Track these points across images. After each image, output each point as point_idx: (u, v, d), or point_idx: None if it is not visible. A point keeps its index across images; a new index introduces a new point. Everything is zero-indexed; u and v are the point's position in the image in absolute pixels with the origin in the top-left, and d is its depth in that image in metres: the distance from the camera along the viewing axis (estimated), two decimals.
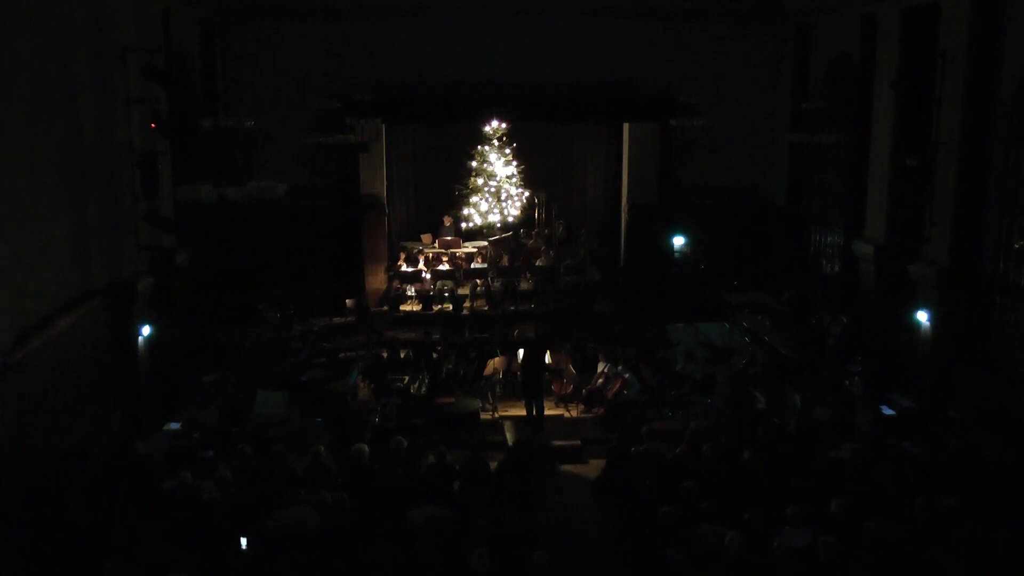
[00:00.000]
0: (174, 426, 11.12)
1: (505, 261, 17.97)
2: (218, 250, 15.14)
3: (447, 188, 19.34)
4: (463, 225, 19.20)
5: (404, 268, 17.55)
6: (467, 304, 16.57)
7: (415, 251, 18.33)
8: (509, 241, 18.82)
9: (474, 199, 19.00)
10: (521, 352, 13.24)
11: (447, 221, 19.35)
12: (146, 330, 11.43)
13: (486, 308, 16.49)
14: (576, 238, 19.20)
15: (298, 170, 15.95)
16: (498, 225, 19.13)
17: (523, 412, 12.61)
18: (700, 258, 16.26)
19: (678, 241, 16.32)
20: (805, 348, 12.91)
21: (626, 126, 17.82)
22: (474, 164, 19.04)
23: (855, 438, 10.43)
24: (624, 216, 18.13)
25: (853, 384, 11.80)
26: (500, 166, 19.03)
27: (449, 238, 18.67)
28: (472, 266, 17.66)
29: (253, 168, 14.70)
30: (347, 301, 16.08)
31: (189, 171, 13.88)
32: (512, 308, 16.37)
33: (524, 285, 17.31)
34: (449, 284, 16.89)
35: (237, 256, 15.75)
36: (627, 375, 13.06)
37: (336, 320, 15.43)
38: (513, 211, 19.22)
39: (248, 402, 11.93)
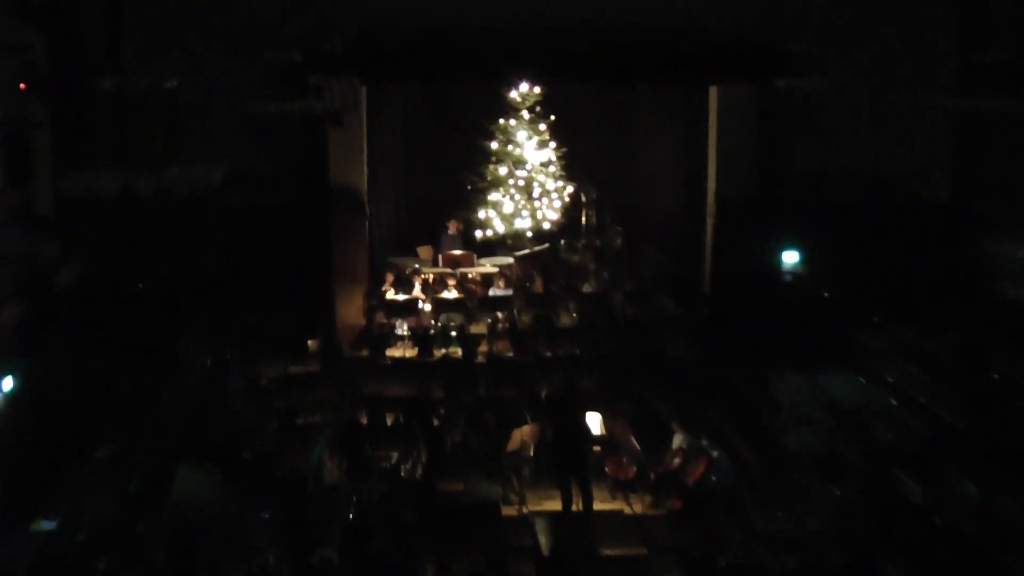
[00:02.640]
0: (47, 524, 10.89)
1: (538, 285, 17.86)
2: (122, 264, 15.20)
3: (455, 180, 19.42)
4: (478, 234, 19.24)
5: (392, 295, 17.44)
6: (483, 347, 16.47)
7: (409, 271, 18.29)
8: (544, 257, 18.80)
9: (494, 196, 19.07)
10: (560, 417, 12.95)
11: (454, 228, 19.30)
12: (7, 382, 11.34)
13: (510, 353, 16.35)
14: (640, 252, 19.20)
15: (241, 151, 16.12)
16: (529, 234, 19.17)
17: (561, 504, 12.30)
18: (821, 280, 16.17)
19: (789, 256, 16.26)
20: (981, 414, 12.73)
21: (713, 90, 17.83)
22: (494, 146, 19.15)
23: None
24: (710, 220, 18.10)
25: None
26: (531, 149, 19.10)
27: (458, 252, 18.58)
28: (491, 292, 17.59)
29: (175, 148, 14.83)
30: (309, 342, 16.06)
31: (80, 152, 13.93)
32: (548, 353, 16.19)
33: (565, 319, 17.25)
34: (457, 318, 16.81)
35: (150, 273, 15.76)
36: (714, 452, 12.73)
37: (293, 368, 15.41)
38: (550, 213, 19.27)
39: (163, 485, 11.71)
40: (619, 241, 19.31)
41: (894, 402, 13.33)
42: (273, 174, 16.50)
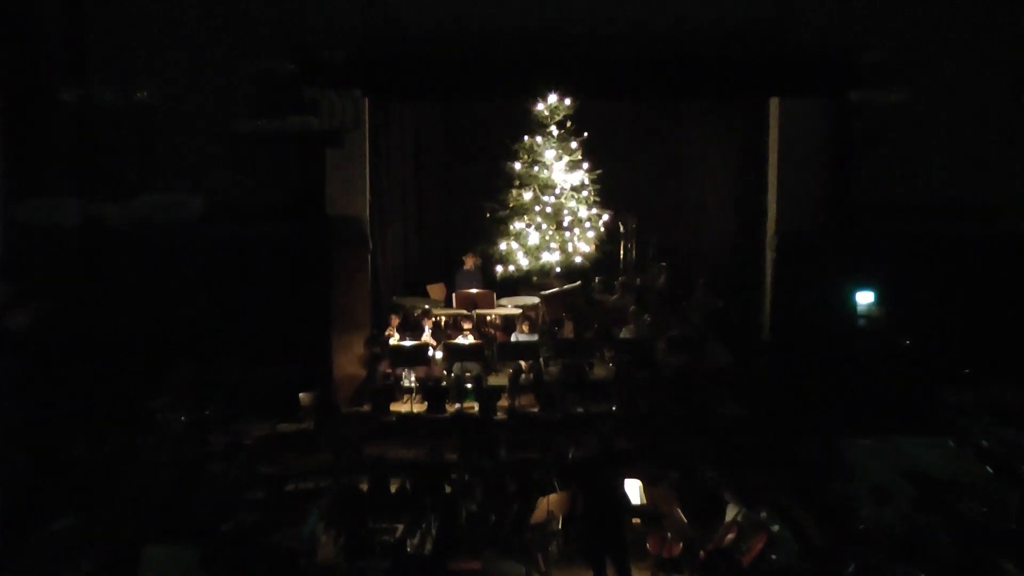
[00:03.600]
0: None
1: (568, 330, 17.80)
2: (84, 306, 15.27)
3: (472, 208, 19.60)
4: (498, 270, 19.38)
5: (398, 340, 17.39)
6: (503, 402, 16.46)
7: (417, 312, 18.27)
8: (575, 297, 18.81)
9: (518, 226, 19.25)
10: (593, 484, 12.84)
11: (471, 263, 19.41)
12: None
13: (535, 409, 16.35)
14: (687, 292, 19.16)
15: (225, 177, 16.20)
16: (557, 270, 19.27)
17: None
18: (901, 326, 16.07)
19: (864, 297, 16.19)
20: None
21: (773, 105, 17.88)
22: (518, 167, 19.32)
23: None
24: (769, 255, 18.06)
25: None
26: (561, 171, 19.26)
27: (475, 291, 18.57)
28: (513, 338, 17.53)
29: (148, 172, 14.83)
30: (302, 395, 16.09)
31: (37, 176, 13.98)
32: (579, 409, 16.20)
33: (600, 371, 17.27)
34: (474, 368, 16.81)
35: (116, 317, 15.84)
36: (774, 527, 12.58)
37: (283, 427, 15.47)
38: (582, 246, 19.37)
39: (128, 566, 11.64)
40: (663, 279, 19.36)
41: (989, 470, 13.11)
42: (262, 202, 16.55)
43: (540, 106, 19.09)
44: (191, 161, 15.73)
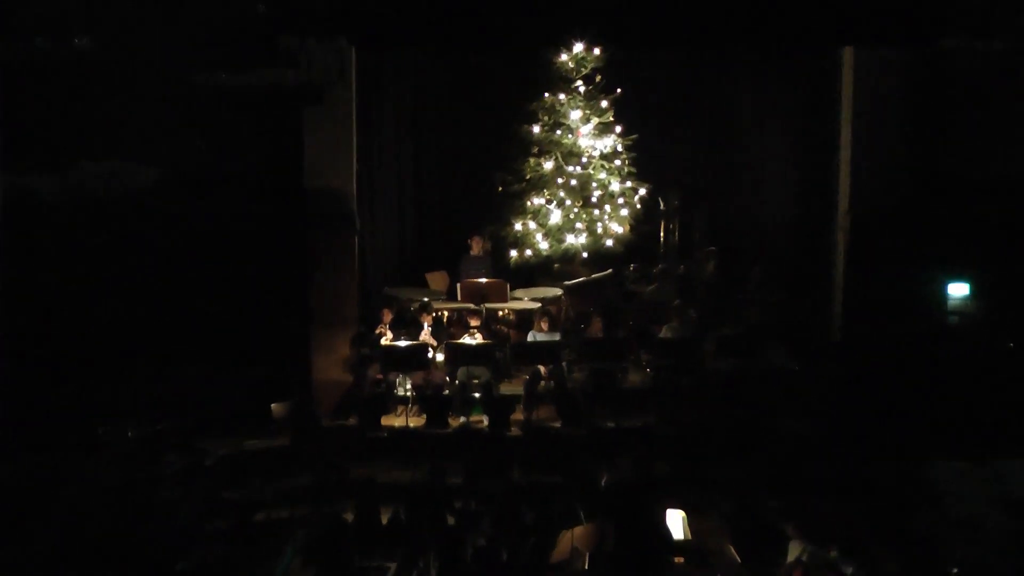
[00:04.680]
0: None
1: (597, 328, 17.78)
2: (9, 300, 15.34)
3: (480, 181, 19.73)
4: (512, 255, 19.42)
5: (391, 339, 17.37)
6: (518, 415, 16.44)
7: (414, 306, 18.33)
8: (606, 288, 18.89)
9: (536, 201, 19.26)
10: (627, 515, 12.81)
11: (478, 247, 19.47)
12: None
13: (557, 424, 16.34)
14: (741, 282, 19.25)
15: (181, 141, 16.24)
16: (584, 256, 19.28)
17: None
18: (1001, 325, 16.11)
19: (956, 289, 16.26)
20: None
21: (846, 56, 17.90)
22: (536, 131, 19.32)
23: None
24: (841, 238, 18.17)
25: None
26: (588, 136, 19.22)
27: (483, 281, 18.56)
28: (530, 337, 17.48)
29: (89, 137, 14.94)
30: (274, 406, 16.16)
31: None
32: (610, 424, 16.12)
33: (634, 377, 17.30)
34: (483, 374, 16.77)
35: (50, 312, 15.94)
36: (848, 569, 12.53)
37: (252, 444, 15.47)
38: (615, 227, 19.37)
39: None
40: (711, 267, 19.38)
41: None
42: (226, 173, 16.66)
43: (564, 57, 19.07)
44: (140, 123, 15.73)
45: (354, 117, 17.67)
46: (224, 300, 16.48)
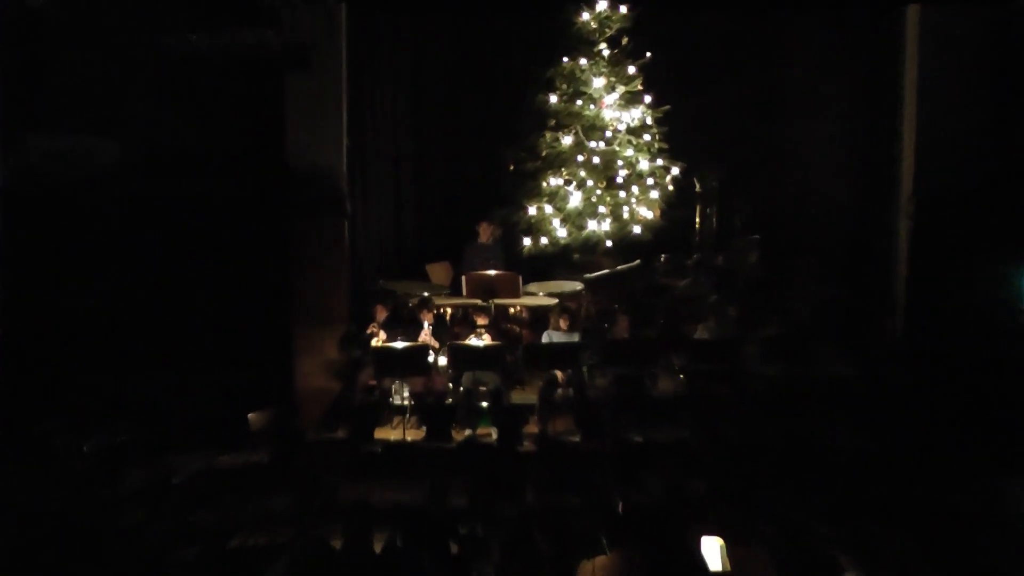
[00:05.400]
0: None
1: (622, 327, 17.75)
2: None
3: (488, 158, 19.79)
4: (525, 243, 19.43)
5: (385, 340, 17.36)
6: (532, 427, 16.45)
7: (413, 302, 18.36)
8: (633, 282, 18.91)
9: (554, 182, 19.28)
10: (656, 542, 12.77)
11: (486, 234, 19.55)
12: None
13: (576, 437, 16.26)
14: (788, 275, 19.22)
15: (148, 114, 16.28)
16: (608, 245, 19.31)
17: None
18: None
19: None
20: None
21: (911, 14, 17.88)
22: (553, 101, 19.35)
23: None
24: (904, 225, 18.16)
25: None
26: (613, 105, 19.27)
27: (492, 272, 18.53)
28: (546, 338, 17.46)
29: (41, 109, 14.98)
30: (251, 416, 16.05)
31: None
32: (638, 438, 16.07)
33: (665, 384, 17.24)
34: (492, 379, 16.76)
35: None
36: None
37: (226, 460, 15.45)
38: (643, 211, 19.40)
39: None
40: (754, 258, 19.39)
41: None
42: (198, 150, 16.67)
43: (585, 16, 19.13)
44: (100, 92, 15.75)
45: (344, 85, 17.66)
46: (195, 295, 16.57)
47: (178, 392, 15.88)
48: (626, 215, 19.20)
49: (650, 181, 19.34)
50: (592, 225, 19.11)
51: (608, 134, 19.18)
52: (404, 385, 16.82)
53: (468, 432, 16.35)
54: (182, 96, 16.35)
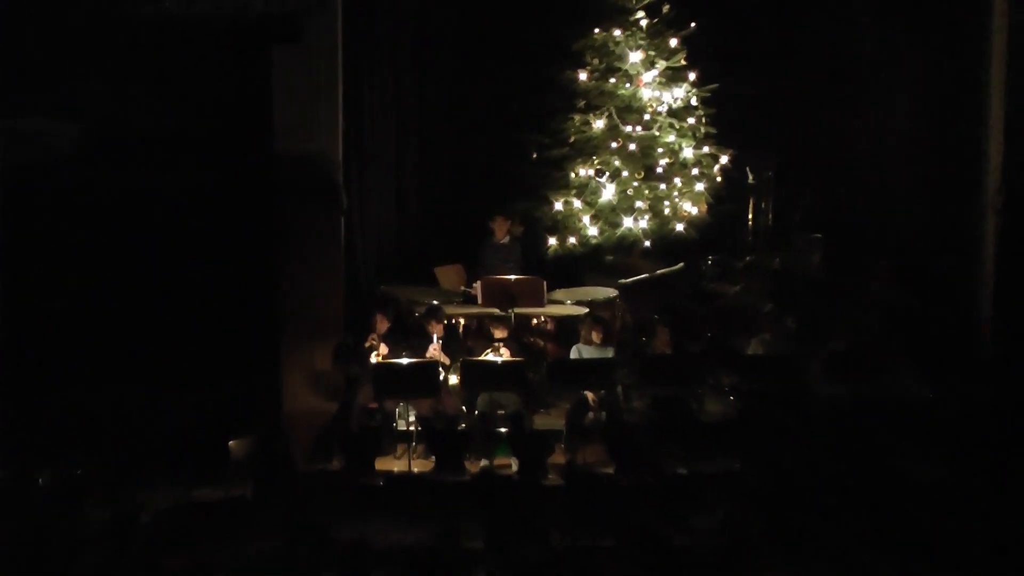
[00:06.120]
0: None
1: (663, 341, 17.70)
2: None
3: (506, 144, 19.75)
4: (550, 243, 19.45)
5: (386, 355, 17.32)
6: (558, 456, 16.39)
7: (419, 311, 18.27)
8: (674, 288, 18.90)
9: (583, 172, 19.21)
10: None
11: (502, 230, 19.46)
12: None
13: (610, 469, 16.21)
14: (856, 280, 19.15)
15: (112, 92, 16.29)
16: (646, 245, 19.25)
17: None
18: None
19: None
20: None
21: None
22: (583, 79, 19.29)
23: None
24: (991, 221, 18.20)
25: None
26: (652, 83, 19.21)
27: (512, 277, 18.48)
28: (574, 353, 17.48)
29: None
30: (231, 443, 16.00)
31: None
32: (682, 470, 16.00)
33: (714, 407, 17.22)
34: (512, 401, 16.77)
35: None
36: None
37: (202, 493, 15.38)
38: (687, 206, 19.32)
39: None
40: (817, 260, 19.37)
41: None
42: (171, 133, 16.70)
43: None
44: (57, 67, 15.72)
45: (339, 59, 17.66)
46: (166, 300, 16.61)
47: (146, 414, 15.86)
48: (667, 210, 19.17)
49: (695, 171, 19.32)
50: (628, 222, 19.04)
51: (646, 117, 19.10)
52: (409, 408, 16.78)
53: (484, 463, 16.30)
54: (151, 72, 16.35)
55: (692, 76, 19.27)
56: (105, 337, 16.23)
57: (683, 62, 19.22)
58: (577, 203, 19.11)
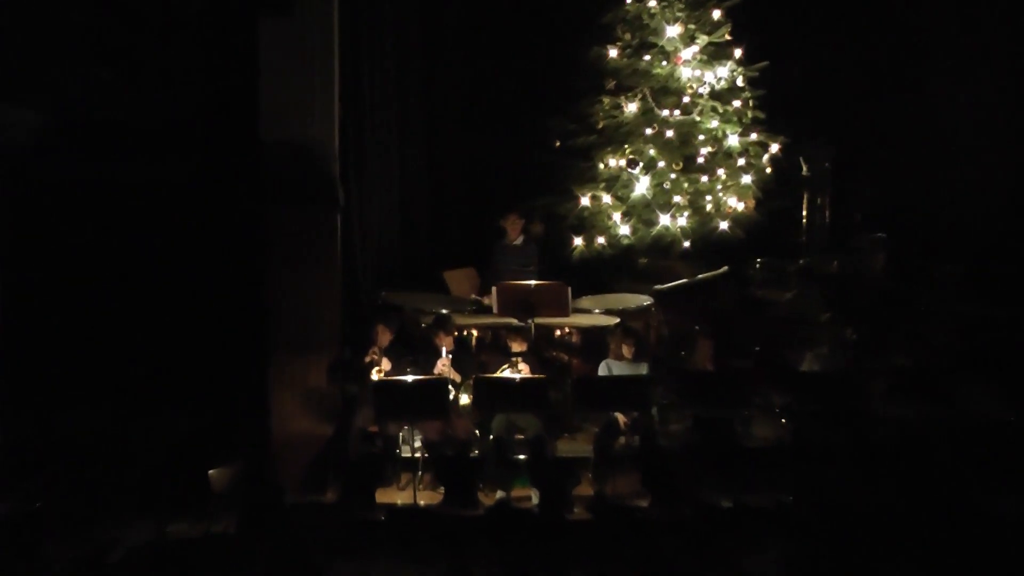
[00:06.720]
0: None
1: (705, 355, 17.66)
2: None
3: (525, 132, 19.70)
4: (576, 243, 19.39)
5: (389, 371, 17.29)
6: (585, 487, 16.40)
7: (426, 321, 18.26)
8: (717, 295, 18.83)
9: (613, 163, 19.20)
10: None
11: (516, 229, 19.49)
12: None
13: (644, 502, 16.20)
14: (925, 288, 19.13)
15: (82, 75, 16.37)
16: (685, 244, 19.22)
17: None
18: None
19: None
20: None
21: None
22: (613, 56, 19.30)
23: None
24: None
25: None
26: (692, 62, 19.20)
27: (531, 283, 18.43)
28: (603, 369, 17.43)
29: None
30: (213, 473, 16.04)
31: None
32: (726, 503, 15.88)
33: (761, 430, 17.25)
34: (532, 424, 16.69)
35: None
36: None
37: (179, 528, 15.33)
38: (732, 202, 19.34)
39: None
40: (880, 263, 19.31)
41: None
42: (147, 121, 16.78)
43: None
44: (20, 48, 15.63)
45: (336, 37, 17.59)
46: (139, 309, 16.64)
47: (117, 439, 15.85)
48: (709, 206, 19.15)
49: (741, 162, 19.29)
50: (664, 220, 19.01)
51: (685, 99, 19.06)
52: (415, 432, 16.70)
53: (500, 494, 16.27)
54: (121, 51, 16.26)
55: (738, 53, 19.27)
56: (69, 351, 16.19)
57: (727, 37, 19.20)
58: (606, 198, 19.09)
